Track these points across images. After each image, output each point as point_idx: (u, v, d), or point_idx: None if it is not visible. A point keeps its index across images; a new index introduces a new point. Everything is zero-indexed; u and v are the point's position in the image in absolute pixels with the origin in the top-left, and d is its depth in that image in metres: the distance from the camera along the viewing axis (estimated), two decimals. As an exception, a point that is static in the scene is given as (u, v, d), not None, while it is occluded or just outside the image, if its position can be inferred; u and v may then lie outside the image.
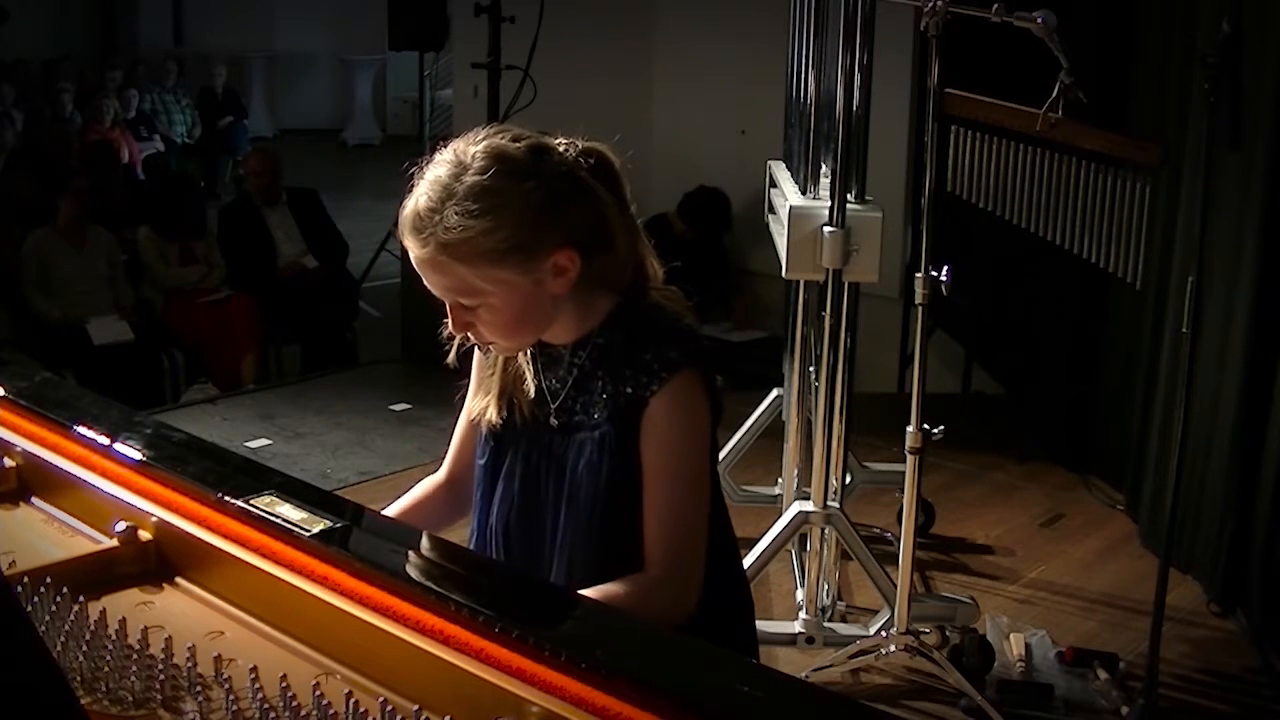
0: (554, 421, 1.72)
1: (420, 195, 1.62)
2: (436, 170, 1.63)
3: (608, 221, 1.67)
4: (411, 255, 1.64)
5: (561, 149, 1.66)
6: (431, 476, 1.95)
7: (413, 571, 1.45)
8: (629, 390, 1.65)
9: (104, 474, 1.75)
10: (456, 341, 1.75)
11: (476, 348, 1.78)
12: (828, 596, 3.51)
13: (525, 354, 1.75)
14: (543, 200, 1.61)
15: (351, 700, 1.29)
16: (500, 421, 1.76)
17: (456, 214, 1.58)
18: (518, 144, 1.63)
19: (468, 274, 1.60)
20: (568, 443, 1.71)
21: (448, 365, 1.79)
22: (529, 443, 1.75)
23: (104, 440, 1.77)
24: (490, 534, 1.79)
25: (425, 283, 1.66)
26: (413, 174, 1.65)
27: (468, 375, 1.84)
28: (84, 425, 1.81)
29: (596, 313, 1.71)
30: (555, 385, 1.73)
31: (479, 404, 1.80)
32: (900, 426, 3.09)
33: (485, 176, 1.59)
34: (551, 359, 1.74)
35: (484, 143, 1.63)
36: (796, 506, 3.35)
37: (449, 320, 1.69)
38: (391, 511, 1.88)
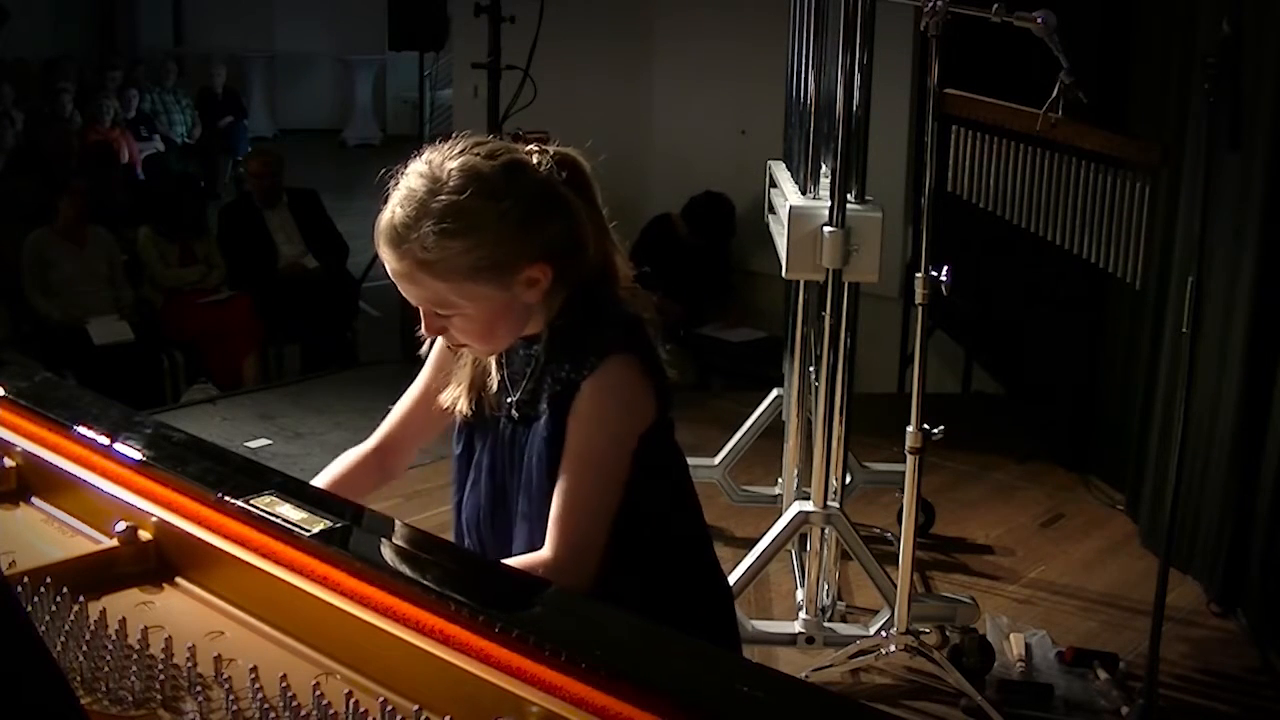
0: (515, 414, 1.75)
1: (395, 207, 1.64)
2: (411, 182, 1.64)
3: (579, 230, 1.69)
4: (388, 267, 1.66)
5: (534, 161, 1.67)
6: (358, 446, 1.94)
7: (413, 572, 1.45)
8: (563, 375, 1.68)
9: (104, 474, 1.75)
10: (429, 338, 1.79)
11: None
12: (828, 596, 3.51)
13: None
14: (518, 219, 1.63)
15: (351, 700, 1.29)
16: (470, 413, 1.79)
17: (433, 234, 1.60)
18: (492, 161, 1.65)
19: (443, 289, 1.64)
20: (526, 434, 1.73)
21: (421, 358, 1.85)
22: (494, 435, 1.78)
23: (104, 440, 1.77)
24: (464, 525, 1.83)
25: (400, 290, 1.69)
26: (388, 182, 1.66)
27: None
28: (84, 425, 1.81)
29: (555, 307, 1.73)
30: (516, 378, 1.76)
31: (450, 394, 1.82)
32: (900, 426, 3.09)
33: (462, 196, 1.61)
34: (512, 353, 1.76)
35: (460, 159, 1.64)
36: (796, 506, 3.35)
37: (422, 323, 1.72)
38: (319, 483, 1.88)
